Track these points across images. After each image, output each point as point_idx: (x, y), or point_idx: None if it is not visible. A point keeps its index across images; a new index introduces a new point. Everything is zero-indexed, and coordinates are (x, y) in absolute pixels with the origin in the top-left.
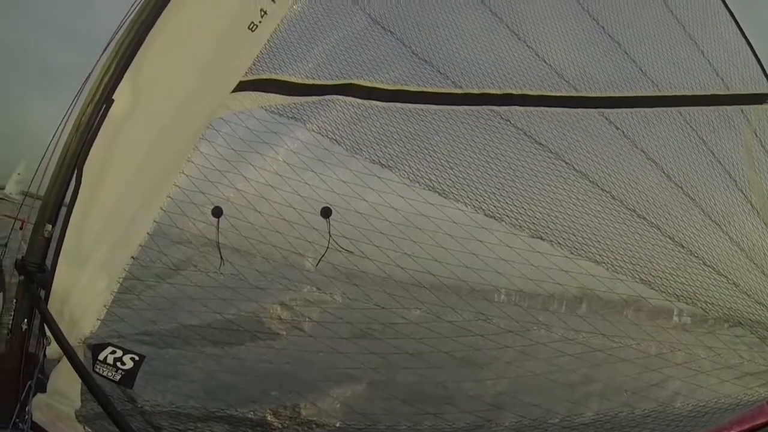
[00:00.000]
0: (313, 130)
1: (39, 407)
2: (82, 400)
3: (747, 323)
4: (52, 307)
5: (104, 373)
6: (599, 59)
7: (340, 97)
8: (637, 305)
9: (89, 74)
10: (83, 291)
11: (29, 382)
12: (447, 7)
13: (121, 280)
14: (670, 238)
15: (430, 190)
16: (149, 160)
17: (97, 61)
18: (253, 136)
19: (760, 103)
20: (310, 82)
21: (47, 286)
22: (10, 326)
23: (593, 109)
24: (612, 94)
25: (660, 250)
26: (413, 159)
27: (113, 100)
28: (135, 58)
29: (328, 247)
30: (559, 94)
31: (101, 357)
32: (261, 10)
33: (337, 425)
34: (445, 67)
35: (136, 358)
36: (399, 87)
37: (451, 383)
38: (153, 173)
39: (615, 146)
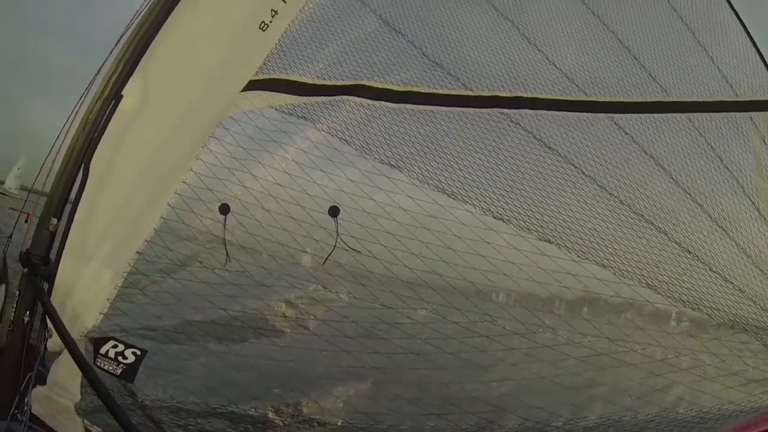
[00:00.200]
0: (323, 130)
1: (38, 399)
2: (81, 394)
3: (752, 330)
4: (55, 300)
5: (105, 367)
6: (609, 64)
7: (350, 97)
8: (641, 310)
9: (97, 71)
10: (87, 285)
11: (29, 374)
12: (457, 10)
13: (125, 274)
14: (677, 243)
15: (438, 191)
16: (157, 156)
17: (106, 59)
18: (263, 135)
19: None
20: (321, 82)
21: (51, 279)
22: (12, 318)
23: (603, 114)
24: (622, 99)
25: (667, 255)
26: (422, 160)
27: (122, 96)
28: (145, 55)
29: (335, 246)
30: (569, 98)
31: (103, 351)
32: (272, 10)
33: (339, 424)
34: (456, 69)
35: (138, 352)
36: (409, 88)
37: (456, 384)
38: (161, 170)
39: (624, 151)
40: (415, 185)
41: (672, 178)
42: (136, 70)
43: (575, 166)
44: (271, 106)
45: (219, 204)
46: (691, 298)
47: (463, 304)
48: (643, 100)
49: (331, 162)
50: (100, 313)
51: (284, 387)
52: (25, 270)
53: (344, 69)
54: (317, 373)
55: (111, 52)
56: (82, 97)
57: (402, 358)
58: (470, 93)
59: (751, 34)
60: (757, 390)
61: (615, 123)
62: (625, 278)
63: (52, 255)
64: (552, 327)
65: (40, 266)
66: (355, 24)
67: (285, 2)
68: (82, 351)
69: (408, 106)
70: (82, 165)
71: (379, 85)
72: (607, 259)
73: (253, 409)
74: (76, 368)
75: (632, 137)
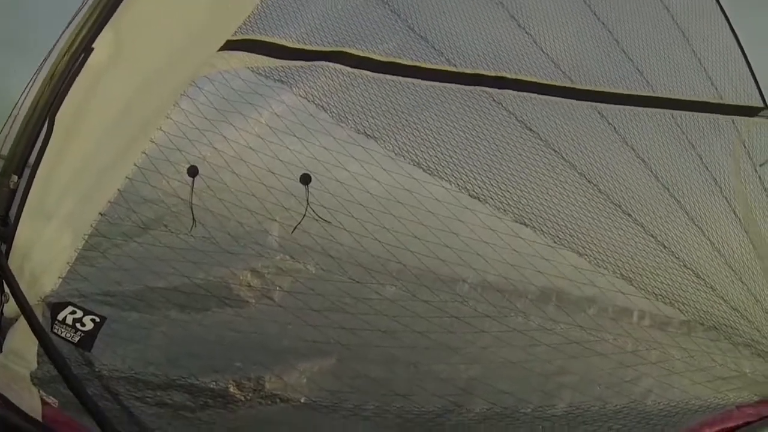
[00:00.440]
0: (300, 95)
1: None
2: (38, 362)
3: (721, 328)
4: (13, 263)
5: (62, 334)
6: (597, 54)
7: (330, 63)
8: (614, 299)
9: (67, 25)
10: (46, 247)
11: None
12: None
13: (86, 236)
14: (653, 237)
15: (415, 165)
16: (127, 113)
17: (77, 12)
18: (237, 97)
19: (751, 116)
20: (301, 46)
21: (9, 241)
22: None
23: (587, 102)
24: (607, 90)
25: (642, 247)
26: (400, 132)
27: (93, 49)
28: (119, 8)
29: (305, 215)
30: (554, 83)
31: (60, 317)
32: None
33: (302, 401)
34: (441, 44)
35: (97, 319)
36: (392, 59)
37: (423, 365)
38: (129, 128)
39: (605, 141)
40: (391, 157)
41: (651, 171)
42: (109, 23)
43: (555, 151)
44: (248, 68)
45: (187, 166)
46: (664, 291)
47: (434, 283)
48: (629, 92)
49: (306, 128)
50: (59, 277)
51: (247, 360)
52: None
53: (326, 35)
54: (281, 347)
55: (79, 9)
56: (50, 52)
57: (368, 335)
58: (453, 69)
59: (740, 38)
60: (724, 387)
61: (598, 112)
62: (600, 267)
63: (12, 215)
64: (524, 312)
65: None
66: None
67: None
68: (40, 317)
69: (389, 76)
70: (47, 119)
71: (361, 54)
72: (582, 247)
73: (214, 383)
74: (33, 335)
75: (614, 128)
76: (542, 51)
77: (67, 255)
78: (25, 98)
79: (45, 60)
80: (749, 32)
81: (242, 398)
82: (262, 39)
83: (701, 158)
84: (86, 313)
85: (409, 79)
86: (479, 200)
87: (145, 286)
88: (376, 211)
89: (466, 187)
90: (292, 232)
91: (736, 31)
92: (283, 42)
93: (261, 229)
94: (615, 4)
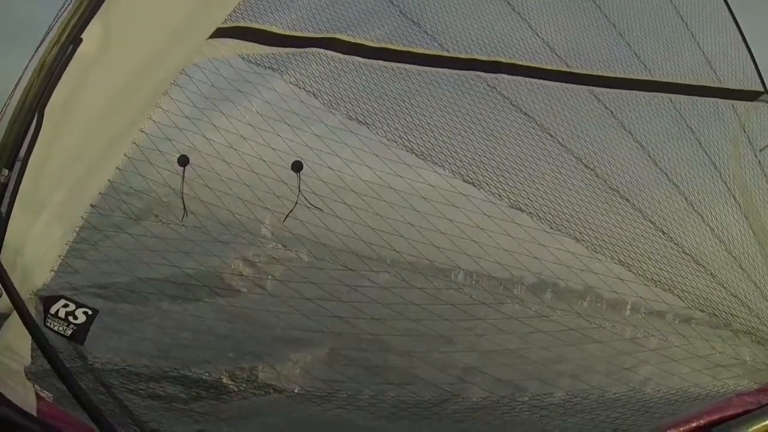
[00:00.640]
0: (291, 82)
1: None
2: (32, 357)
3: (721, 315)
4: (5, 257)
5: (55, 328)
6: (592, 38)
7: (321, 50)
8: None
9: (55, 17)
10: (38, 240)
11: None
12: None
13: (78, 229)
14: (651, 222)
15: (408, 150)
16: (116, 104)
17: (64, 4)
18: (228, 85)
19: (751, 100)
20: (292, 33)
21: (1, 235)
22: None
23: (583, 86)
24: (603, 74)
25: (641, 233)
26: (392, 118)
27: (81, 40)
28: None
29: (297, 203)
30: (549, 67)
31: (53, 310)
32: None
33: (296, 391)
34: (434, 29)
35: (89, 312)
36: (384, 45)
37: (418, 354)
38: (119, 118)
39: (602, 125)
40: (384, 143)
41: (650, 156)
42: (97, 14)
43: (551, 136)
44: (239, 55)
45: (178, 155)
46: (663, 278)
47: (429, 270)
48: (626, 76)
49: (297, 115)
50: (51, 270)
51: (239, 350)
52: None
53: (317, 21)
54: (274, 337)
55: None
56: (39, 45)
57: (362, 324)
58: (447, 54)
59: (739, 23)
60: (724, 375)
61: (595, 96)
62: (597, 253)
63: (4, 209)
64: (520, 299)
65: None
66: None
67: None
68: (33, 311)
69: (381, 62)
70: (36, 111)
71: (353, 40)
72: (580, 232)
73: (207, 374)
74: (26, 330)
75: (612, 112)
76: (537, 35)
77: (58, 248)
78: (15, 92)
79: (36, 50)
80: (752, 23)
81: (235, 389)
82: (253, 26)
83: (700, 143)
84: (78, 306)
85: (402, 65)
86: (474, 186)
87: (136, 278)
88: (369, 197)
89: (460, 173)
90: (284, 220)
91: (738, 20)
92: (274, 29)
93: (252, 218)
94: None
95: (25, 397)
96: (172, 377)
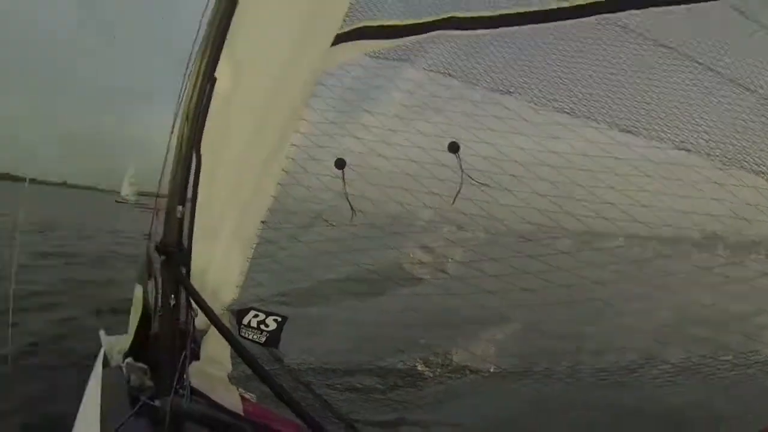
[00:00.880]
0: (424, 68)
1: (195, 374)
2: (232, 364)
3: None
4: (194, 281)
5: (250, 336)
6: None
7: (443, 31)
8: None
9: (186, 69)
10: (220, 262)
11: (184, 353)
12: None
13: (254, 246)
14: None
15: (557, 111)
16: (262, 126)
17: (189, 58)
18: (363, 84)
19: None
20: (410, 21)
21: (187, 263)
22: (160, 305)
23: (721, 1)
24: None
25: None
26: (533, 81)
27: (216, 78)
28: (228, 34)
29: (461, 183)
30: None
31: (245, 321)
32: None
33: (492, 370)
34: None
35: (279, 319)
36: (501, 12)
37: (610, 317)
38: (268, 138)
39: (756, 41)
40: (532, 108)
41: None
42: (223, 50)
43: (699, 63)
44: (365, 54)
45: (334, 159)
46: None
47: (607, 227)
48: None
49: (440, 98)
50: (237, 286)
51: (431, 336)
52: (163, 258)
53: (428, 4)
54: (463, 318)
55: (190, 58)
56: (181, 94)
57: (549, 293)
58: (566, 4)
59: None
60: None
61: (737, 10)
62: None
63: (185, 241)
64: (708, 245)
65: (176, 253)
66: None
67: None
68: (227, 324)
69: (504, 29)
70: (194, 151)
71: (470, 14)
72: (757, 164)
73: (401, 362)
74: (224, 341)
75: (760, 23)
76: None
77: (240, 266)
78: (170, 140)
79: (179, 100)
80: None
81: (431, 374)
82: (370, 24)
83: None
84: (268, 315)
85: (526, 26)
86: (632, 133)
87: (317, 281)
88: (530, 163)
89: (615, 123)
90: (453, 202)
91: None
92: (392, 21)
93: (421, 205)
94: None
95: (231, 399)
96: (366, 370)
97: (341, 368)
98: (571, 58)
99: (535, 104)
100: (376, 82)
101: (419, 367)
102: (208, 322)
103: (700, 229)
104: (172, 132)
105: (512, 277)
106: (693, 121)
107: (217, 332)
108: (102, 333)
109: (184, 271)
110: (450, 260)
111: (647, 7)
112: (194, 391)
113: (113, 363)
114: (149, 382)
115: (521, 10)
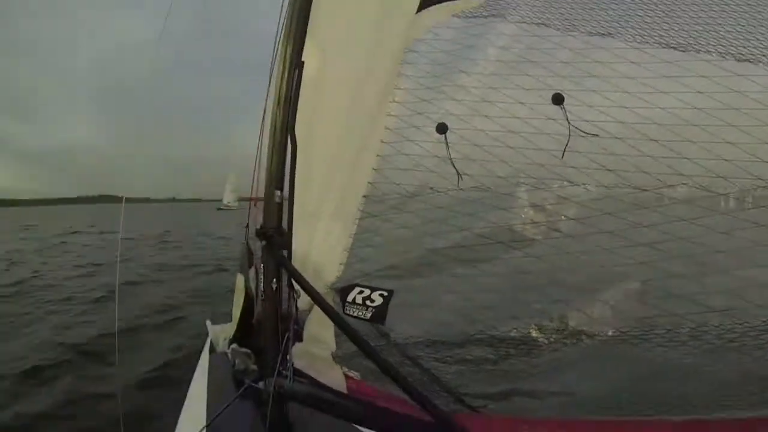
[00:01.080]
0: (516, 21)
1: (299, 355)
2: (336, 343)
3: None
4: (296, 263)
5: (355, 314)
6: None
7: None
8: None
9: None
10: (322, 241)
11: (287, 335)
12: None
13: (357, 221)
14: None
15: (664, 47)
16: (355, 102)
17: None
18: (456, 45)
19: None
20: None
21: (288, 246)
22: (262, 290)
23: None
24: None
25: None
26: (632, 20)
27: (303, 62)
28: (311, 16)
29: (569, 135)
30: None
31: (350, 298)
32: None
33: (610, 333)
34: None
35: (385, 293)
36: None
37: (739, 270)
38: (363, 112)
39: None
40: (636, 47)
41: None
42: (308, 33)
43: None
44: (453, 15)
45: (435, 125)
46: None
47: (733, 170)
48: None
49: (537, 50)
50: (340, 264)
51: (545, 300)
52: (264, 243)
53: None
54: (579, 280)
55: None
56: (269, 84)
57: (671, 246)
58: None
59: None
60: None
61: None
62: None
63: (285, 224)
64: None
65: (276, 236)
66: None
67: None
68: (332, 302)
69: None
70: (288, 135)
71: None
72: None
73: (515, 330)
74: (327, 321)
75: None
76: None
77: (342, 243)
78: (260, 135)
79: (267, 94)
80: None
81: (545, 341)
82: None
83: None
84: (373, 290)
85: None
86: (750, 62)
87: (425, 250)
88: (639, 107)
89: (729, 52)
90: (563, 156)
91: None
92: None
93: (528, 161)
94: None
95: (335, 378)
96: (477, 340)
97: (450, 340)
98: None
99: (638, 42)
100: (468, 41)
101: (533, 334)
102: (311, 302)
103: None
104: (263, 120)
105: (630, 232)
106: None
107: (320, 312)
108: (208, 322)
109: (285, 254)
110: (563, 218)
111: None
112: (297, 372)
113: (219, 350)
114: (253, 366)
115: None
